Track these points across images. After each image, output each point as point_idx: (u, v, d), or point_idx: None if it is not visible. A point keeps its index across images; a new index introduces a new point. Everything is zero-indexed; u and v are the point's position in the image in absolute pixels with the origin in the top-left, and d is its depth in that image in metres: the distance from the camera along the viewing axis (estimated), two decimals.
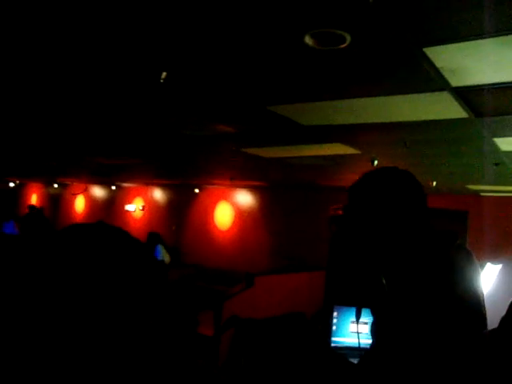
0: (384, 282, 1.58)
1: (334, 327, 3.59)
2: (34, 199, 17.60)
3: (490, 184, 6.97)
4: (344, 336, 3.57)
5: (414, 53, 2.31)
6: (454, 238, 1.58)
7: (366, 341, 3.38)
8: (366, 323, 3.76)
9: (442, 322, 1.39)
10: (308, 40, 2.22)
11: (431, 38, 2.13)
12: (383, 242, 1.56)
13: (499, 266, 6.93)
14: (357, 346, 3.39)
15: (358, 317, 1.67)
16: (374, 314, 1.61)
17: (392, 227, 1.54)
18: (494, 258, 7.07)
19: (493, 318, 1.41)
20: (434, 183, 6.90)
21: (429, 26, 2.02)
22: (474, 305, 1.46)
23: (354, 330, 3.54)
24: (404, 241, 1.54)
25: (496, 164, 5.25)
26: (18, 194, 18.09)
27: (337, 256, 4.68)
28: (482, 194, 8.25)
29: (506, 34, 2.01)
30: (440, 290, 1.42)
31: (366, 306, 1.66)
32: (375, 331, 1.59)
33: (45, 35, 2.40)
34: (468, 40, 2.10)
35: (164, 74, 2.90)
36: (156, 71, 2.86)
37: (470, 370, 1.31)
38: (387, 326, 1.50)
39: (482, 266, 6.62)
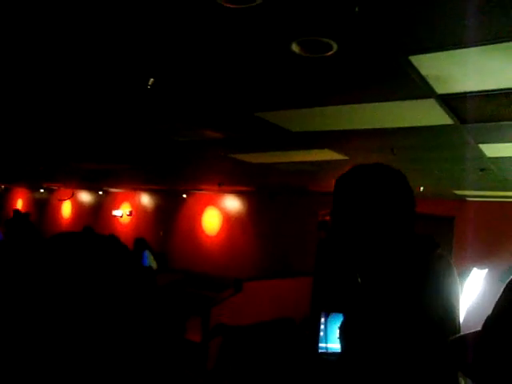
0: (359, 280, 1.56)
1: (321, 333, 3.59)
2: (19, 204, 17.44)
3: (476, 189, 7.04)
4: (332, 342, 3.57)
5: (400, 61, 2.33)
6: (435, 246, 1.56)
7: None
8: None
9: (408, 331, 1.37)
10: (295, 47, 2.23)
11: (416, 46, 2.16)
12: (364, 241, 1.53)
13: (485, 271, 6.99)
14: None
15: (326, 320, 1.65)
16: (345, 313, 1.58)
17: (375, 227, 1.51)
18: (480, 263, 7.13)
19: (479, 321, 1.41)
20: (422, 188, 6.95)
21: (414, 35, 2.04)
22: (446, 315, 1.44)
23: None
24: (385, 243, 1.51)
25: (482, 170, 5.31)
26: (3, 199, 17.92)
27: (324, 262, 4.69)
28: (469, 199, 8.32)
29: (489, 44, 2.04)
30: (412, 298, 1.40)
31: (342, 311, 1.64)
32: (344, 333, 1.56)
33: (33, 41, 2.39)
34: (453, 49, 2.13)
35: (151, 81, 2.90)
36: (143, 77, 2.86)
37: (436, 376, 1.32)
38: (357, 327, 1.47)
39: (468, 271, 6.67)
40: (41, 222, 15.66)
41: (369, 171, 1.61)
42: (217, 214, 11.93)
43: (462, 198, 8.31)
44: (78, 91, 3.36)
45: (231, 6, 1.84)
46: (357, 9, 1.81)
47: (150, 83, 2.92)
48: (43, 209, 16.57)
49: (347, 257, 1.59)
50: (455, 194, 7.82)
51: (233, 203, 11.69)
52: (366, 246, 1.53)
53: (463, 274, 3.13)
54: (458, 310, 1.49)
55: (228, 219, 11.70)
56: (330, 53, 2.27)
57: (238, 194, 11.50)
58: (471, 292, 6.36)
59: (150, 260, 8.19)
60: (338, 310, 3.68)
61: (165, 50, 2.43)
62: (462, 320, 1.58)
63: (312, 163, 5.89)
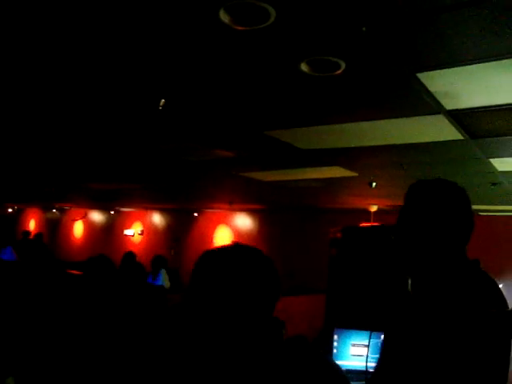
0: (409, 288, 1.57)
1: (334, 350, 3.56)
2: (32, 225, 17.57)
3: (488, 204, 7.00)
4: (345, 359, 3.55)
5: (408, 78, 2.35)
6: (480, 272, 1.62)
7: (372, 364, 3.34)
8: (366, 346, 3.72)
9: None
10: (304, 67, 2.27)
11: (424, 63, 2.18)
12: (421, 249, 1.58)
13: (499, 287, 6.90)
14: (359, 369, 3.38)
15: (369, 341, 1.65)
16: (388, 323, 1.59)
17: (435, 238, 1.57)
18: (495, 279, 7.04)
19: None
20: None
21: (421, 53, 2.07)
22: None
23: (355, 353, 3.52)
24: (440, 257, 1.56)
25: (493, 184, 5.29)
26: (16, 219, 18.05)
27: (336, 279, 4.68)
28: (481, 213, 8.27)
29: (496, 60, 2.06)
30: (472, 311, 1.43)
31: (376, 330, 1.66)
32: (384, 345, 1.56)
33: (48, 61, 2.45)
34: (460, 65, 2.15)
35: (162, 102, 2.94)
36: (154, 98, 2.91)
37: None
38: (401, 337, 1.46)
39: None
40: (53, 242, 15.73)
41: (442, 188, 1.68)
42: (228, 233, 11.93)
43: (475, 213, 8.25)
44: (90, 112, 3.42)
45: (241, 29, 1.88)
46: (364, 28, 1.84)
47: (161, 104, 2.96)
48: (55, 229, 16.66)
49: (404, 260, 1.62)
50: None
51: (244, 221, 11.69)
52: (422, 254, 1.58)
53: None
54: None
55: (239, 237, 11.69)
56: (338, 71, 2.30)
57: (249, 212, 11.52)
58: None
59: (163, 278, 8.18)
60: (350, 327, 3.65)
61: (176, 72, 2.47)
62: None
63: (322, 180, 5.90)
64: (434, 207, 1.60)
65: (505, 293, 1.71)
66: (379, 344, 3.55)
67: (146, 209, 13.65)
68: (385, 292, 3.69)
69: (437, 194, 1.64)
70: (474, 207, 6.35)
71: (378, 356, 1.58)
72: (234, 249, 1.35)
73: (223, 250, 1.34)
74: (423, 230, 1.58)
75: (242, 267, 1.28)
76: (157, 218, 13.63)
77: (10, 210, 17.02)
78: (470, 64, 2.12)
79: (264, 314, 1.27)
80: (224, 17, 1.79)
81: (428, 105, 2.75)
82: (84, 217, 15.56)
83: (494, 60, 2.06)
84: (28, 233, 13.35)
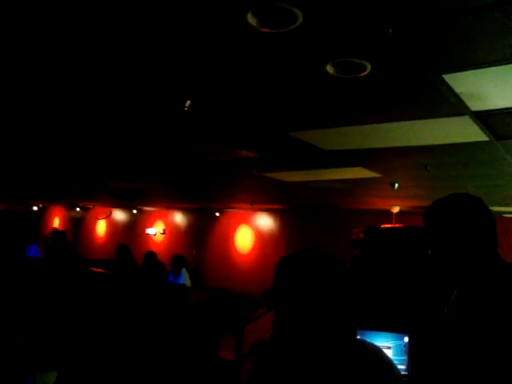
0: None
1: None
2: (56, 223, 17.83)
3: None
4: None
5: (434, 79, 2.35)
6: None
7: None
8: (389, 347, 3.71)
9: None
10: (329, 69, 2.28)
11: (450, 64, 2.18)
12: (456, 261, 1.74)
13: None
14: None
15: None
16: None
17: (462, 251, 1.73)
18: None
19: None
20: None
21: (447, 54, 2.07)
22: None
23: None
24: (474, 263, 1.73)
25: None
26: (41, 217, 18.35)
27: (358, 280, 4.67)
28: (505, 215, 8.17)
29: None
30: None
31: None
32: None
33: (76, 64, 2.51)
34: (486, 66, 2.14)
35: (188, 103, 2.98)
36: (180, 99, 2.95)
37: None
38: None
39: None
40: (76, 240, 15.96)
41: (453, 204, 1.84)
42: (249, 232, 11.97)
43: (498, 215, 8.16)
44: (116, 113, 3.47)
45: (268, 31, 1.91)
46: (390, 30, 1.85)
47: (186, 105, 3.00)
48: (78, 227, 16.89)
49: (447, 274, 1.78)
50: (492, 211, 7.67)
51: (265, 221, 11.72)
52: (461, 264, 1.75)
53: None
54: None
55: (260, 237, 11.72)
56: (363, 73, 2.31)
57: (271, 212, 11.54)
58: None
59: (185, 277, 8.27)
60: (371, 328, 3.65)
61: (202, 74, 2.51)
62: None
63: (345, 181, 5.89)
64: (463, 222, 1.79)
65: None
66: (402, 346, 3.55)
67: (168, 208, 13.75)
68: (410, 295, 3.69)
69: (460, 208, 1.83)
70: (498, 209, 6.30)
71: (401, 358, 1.71)
72: (314, 253, 1.48)
73: (304, 253, 1.48)
74: (460, 245, 1.75)
75: (323, 271, 1.44)
76: (179, 218, 13.73)
77: (35, 208, 17.29)
78: (496, 65, 2.12)
79: (344, 314, 1.44)
80: (252, 20, 1.82)
81: (454, 106, 2.74)
82: (109, 215, 15.75)
83: None
84: (57, 231, 13.51)
